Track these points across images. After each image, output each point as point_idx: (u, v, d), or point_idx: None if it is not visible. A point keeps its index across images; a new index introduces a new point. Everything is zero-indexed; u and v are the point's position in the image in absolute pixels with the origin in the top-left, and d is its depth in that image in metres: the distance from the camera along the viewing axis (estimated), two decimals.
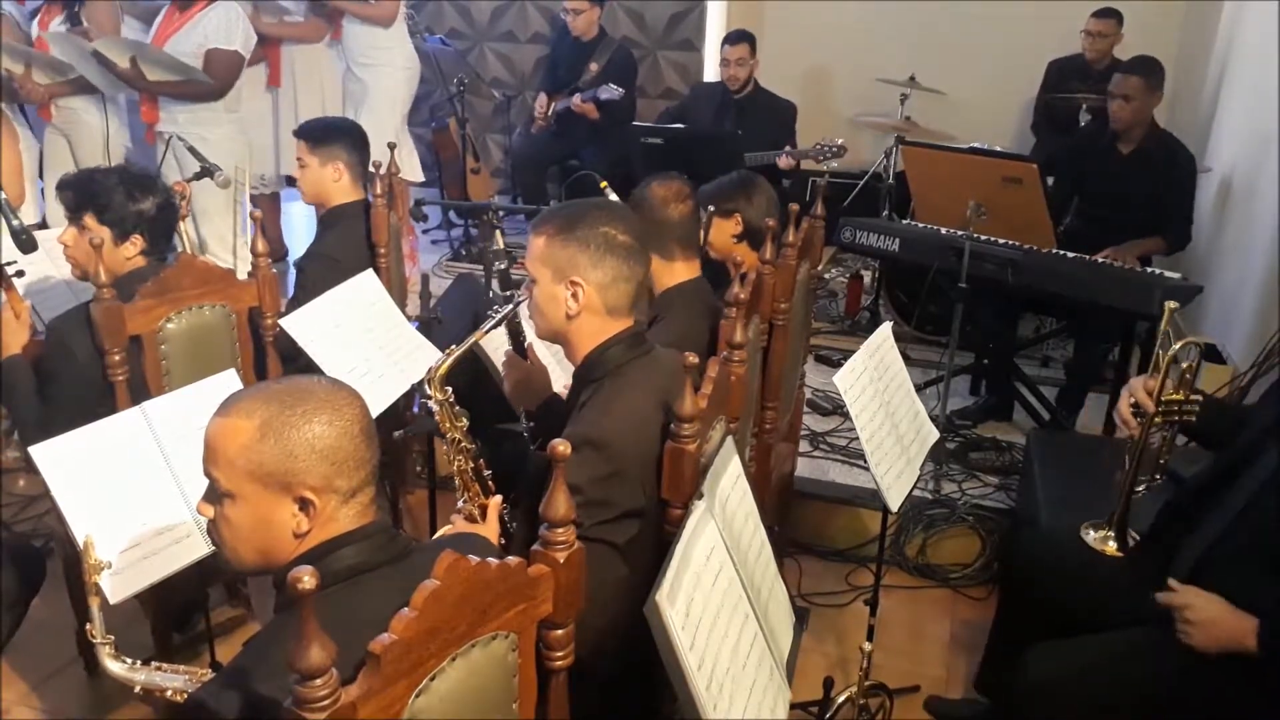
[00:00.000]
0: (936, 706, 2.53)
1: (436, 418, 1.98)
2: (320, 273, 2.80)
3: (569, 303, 1.74)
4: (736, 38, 4.63)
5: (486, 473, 2.02)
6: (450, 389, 1.98)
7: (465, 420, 2.01)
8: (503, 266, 2.45)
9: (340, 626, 1.00)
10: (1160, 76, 3.66)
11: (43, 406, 2.29)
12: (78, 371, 2.25)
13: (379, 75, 4.58)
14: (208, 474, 1.27)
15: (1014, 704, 1.97)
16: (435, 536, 1.85)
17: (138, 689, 1.57)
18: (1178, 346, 1.90)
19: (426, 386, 1.97)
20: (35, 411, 2.28)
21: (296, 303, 2.64)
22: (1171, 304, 1.99)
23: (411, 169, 4.78)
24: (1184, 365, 1.96)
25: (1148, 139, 3.71)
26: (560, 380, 2.27)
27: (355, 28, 4.54)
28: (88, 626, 1.60)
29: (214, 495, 1.28)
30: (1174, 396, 1.93)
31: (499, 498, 1.94)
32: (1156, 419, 1.92)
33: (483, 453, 2.03)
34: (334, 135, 2.96)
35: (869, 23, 5.68)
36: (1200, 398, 1.96)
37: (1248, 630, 1.68)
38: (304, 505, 1.24)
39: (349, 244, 2.93)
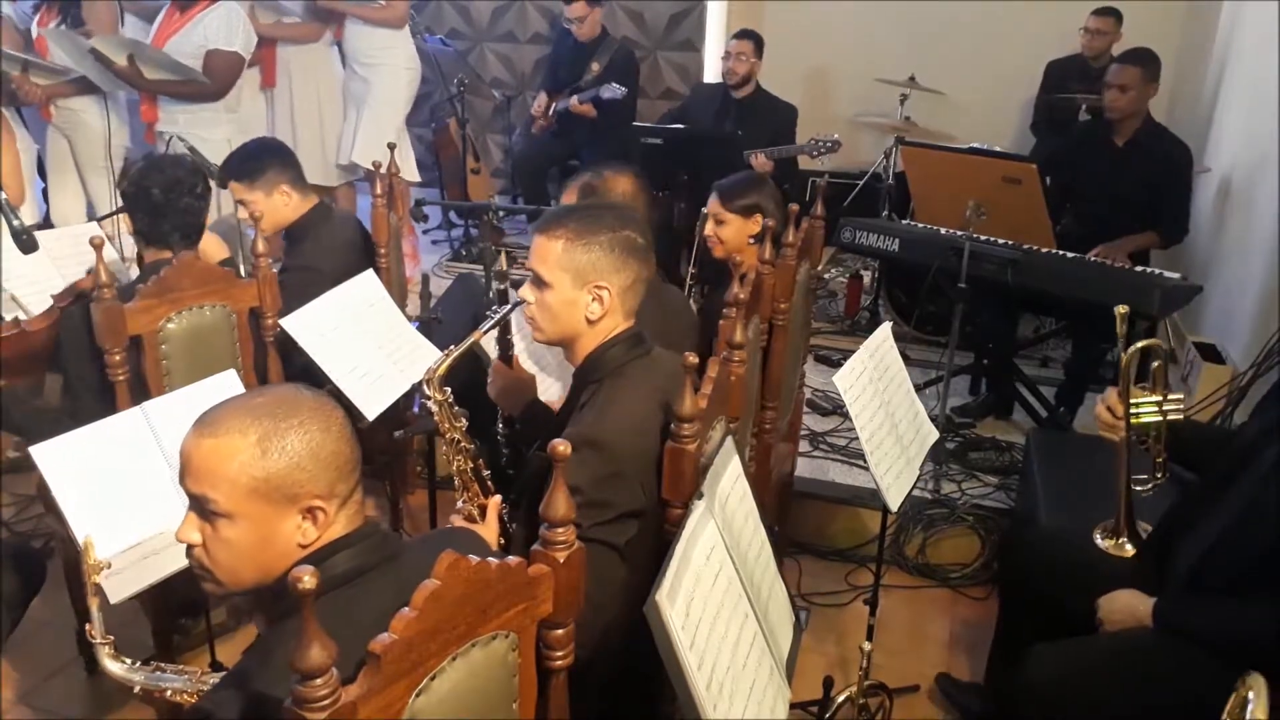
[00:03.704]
0: (946, 686, 2.54)
1: (435, 418, 1.99)
2: (299, 284, 2.72)
3: (591, 307, 1.72)
4: (743, 34, 4.65)
5: (486, 472, 2.02)
6: (449, 389, 1.99)
7: (464, 420, 2.01)
8: (502, 287, 2.43)
9: (339, 629, 0.99)
10: (1157, 68, 3.67)
11: (66, 390, 2.33)
12: (91, 359, 2.27)
13: (381, 75, 4.58)
14: (197, 496, 1.21)
15: (1014, 704, 1.97)
16: (425, 534, 1.85)
17: (137, 689, 1.57)
18: (1134, 348, 1.91)
19: (425, 387, 1.97)
20: (37, 424, 2.31)
21: (284, 313, 2.59)
22: (1121, 308, 1.96)
23: (408, 170, 4.78)
24: (1154, 365, 1.96)
25: (1142, 131, 3.71)
26: (545, 387, 2.28)
27: (358, 28, 4.53)
28: (87, 627, 1.60)
29: (206, 516, 1.22)
30: (1149, 397, 1.93)
31: (498, 497, 1.94)
32: (1136, 420, 1.92)
33: (482, 452, 2.03)
34: (263, 163, 2.86)
35: (869, 23, 5.69)
36: (1180, 395, 1.97)
37: (1146, 610, 1.87)
38: (310, 514, 1.22)
39: (324, 251, 2.90)
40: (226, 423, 1.21)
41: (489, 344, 2.28)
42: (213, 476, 1.20)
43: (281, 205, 2.88)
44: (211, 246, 2.83)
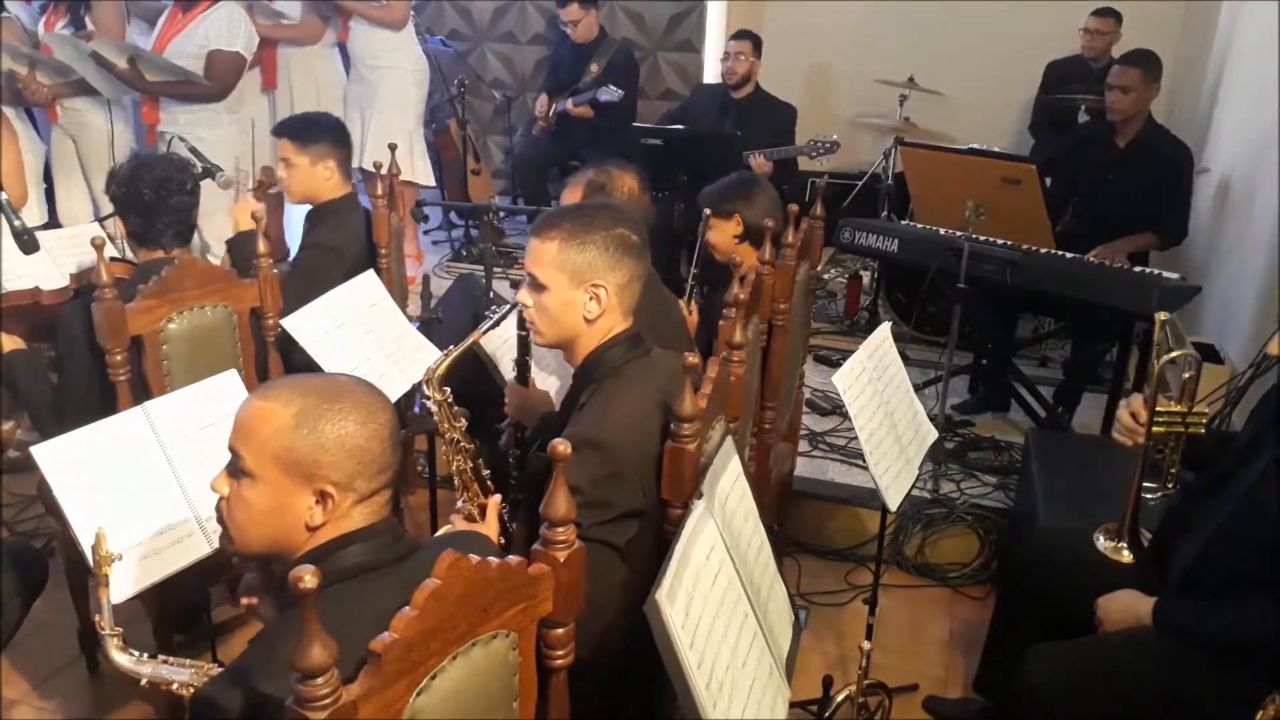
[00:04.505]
0: (935, 705, 2.53)
1: (435, 418, 1.99)
2: (318, 263, 2.82)
3: (588, 306, 1.73)
4: (741, 34, 4.67)
5: (485, 472, 2.02)
6: (449, 389, 1.99)
7: (464, 420, 2.02)
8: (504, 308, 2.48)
9: (343, 625, 1.01)
10: (1158, 69, 3.68)
11: (58, 391, 2.35)
12: (88, 355, 2.28)
13: (385, 77, 4.58)
14: (233, 450, 1.29)
15: (1012, 705, 1.97)
16: (435, 536, 1.86)
17: (144, 682, 1.57)
18: (1167, 358, 1.89)
19: (425, 387, 1.98)
20: (47, 395, 2.35)
21: (291, 291, 2.61)
22: (1162, 315, 1.97)
23: (424, 173, 4.79)
24: (1185, 376, 1.94)
25: (1144, 132, 3.73)
26: (544, 387, 2.29)
27: (363, 30, 4.54)
28: (97, 618, 1.60)
29: (235, 472, 1.30)
30: (1174, 408, 1.92)
31: (498, 497, 1.94)
32: (1157, 429, 1.92)
33: (481, 452, 2.04)
34: (321, 133, 2.93)
35: (868, 23, 5.69)
36: (1206, 410, 1.95)
37: (1146, 610, 1.88)
38: (322, 498, 1.26)
39: (347, 236, 2.95)
40: (277, 392, 1.29)
41: (507, 364, 2.30)
42: (247, 435, 1.28)
43: (322, 178, 2.92)
44: (242, 216, 2.90)
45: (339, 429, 1.26)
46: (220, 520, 1.35)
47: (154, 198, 2.44)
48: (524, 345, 2.13)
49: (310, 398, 1.27)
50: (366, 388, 1.33)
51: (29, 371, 2.40)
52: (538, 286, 1.75)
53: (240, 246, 2.94)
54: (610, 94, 4.82)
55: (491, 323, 2.05)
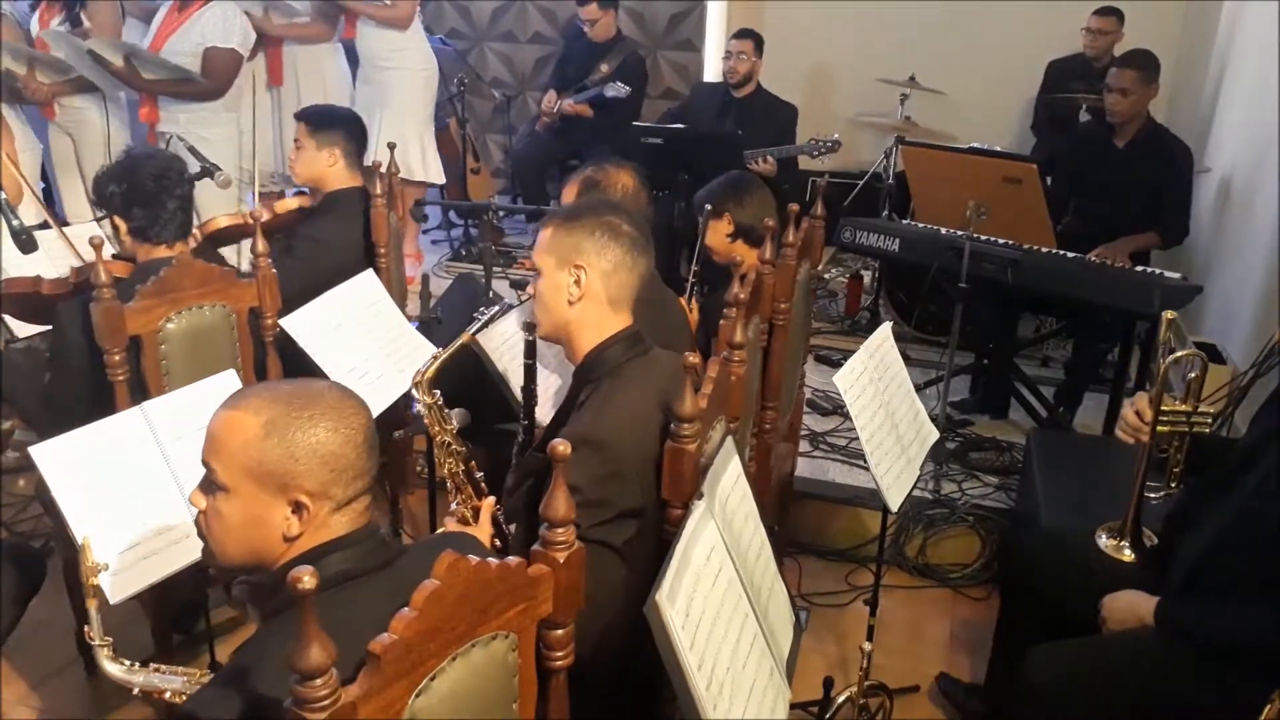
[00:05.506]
0: (946, 685, 2.54)
1: (425, 421, 1.98)
2: (307, 255, 2.84)
3: (571, 289, 1.75)
4: (743, 33, 4.67)
5: (479, 475, 2.01)
6: (438, 392, 1.98)
7: (454, 423, 2.00)
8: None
9: (330, 632, 0.98)
10: (1156, 70, 3.69)
11: (51, 386, 2.36)
12: (83, 353, 2.28)
13: (394, 78, 4.57)
14: (206, 464, 1.27)
15: (1015, 705, 1.97)
16: (420, 540, 1.85)
17: (136, 690, 1.57)
18: (1173, 357, 1.89)
19: (415, 390, 1.97)
20: (37, 396, 2.36)
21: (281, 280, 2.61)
22: (1169, 314, 1.96)
23: (436, 172, 4.78)
24: (1190, 376, 1.94)
25: (1143, 132, 3.73)
26: (545, 384, 2.28)
27: (370, 30, 4.53)
28: (86, 629, 1.60)
29: (209, 486, 1.27)
30: (1179, 407, 1.92)
31: (492, 499, 1.93)
32: (1161, 429, 1.91)
33: (474, 455, 2.02)
34: (333, 122, 3.01)
35: (869, 23, 5.68)
36: (1211, 410, 1.94)
37: (1149, 610, 1.86)
38: (297, 509, 1.23)
39: (340, 229, 2.96)
40: (247, 401, 1.26)
41: (506, 363, 2.29)
42: (218, 447, 1.25)
43: (324, 164, 2.98)
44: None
45: (310, 437, 1.22)
46: (200, 534, 1.32)
47: (156, 187, 2.42)
48: (530, 348, 2.13)
49: (280, 406, 1.23)
50: (339, 392, 1.29)
51: (17, 367, 2.41)
52: (536, 274, 1.80)
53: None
54: (617, 89, 4.80)
55: (480, 324, 2.04)
